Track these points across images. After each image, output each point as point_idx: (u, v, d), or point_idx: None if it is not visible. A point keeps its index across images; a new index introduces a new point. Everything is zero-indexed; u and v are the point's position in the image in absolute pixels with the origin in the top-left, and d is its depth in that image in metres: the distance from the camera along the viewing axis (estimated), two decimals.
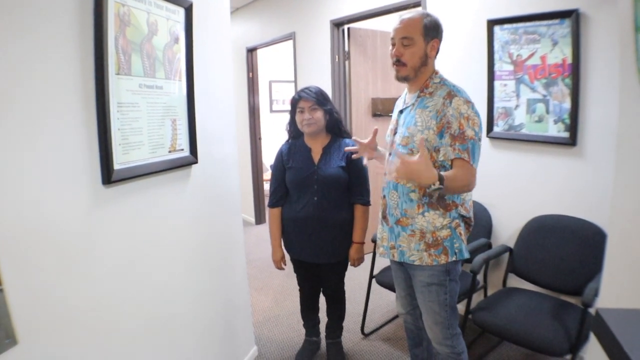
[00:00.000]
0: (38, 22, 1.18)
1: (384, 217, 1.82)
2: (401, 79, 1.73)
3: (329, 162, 2.16)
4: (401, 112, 1.81)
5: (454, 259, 1.69)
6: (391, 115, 1.93)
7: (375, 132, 1.92)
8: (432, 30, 1.66)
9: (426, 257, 1.70)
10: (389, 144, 1.83)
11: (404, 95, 1.85)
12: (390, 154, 1.81)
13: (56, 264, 1.25)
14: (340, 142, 2.22)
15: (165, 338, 1.75)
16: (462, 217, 1.71)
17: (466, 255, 1.72)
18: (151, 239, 1.66)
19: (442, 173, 1.52)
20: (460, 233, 1.70)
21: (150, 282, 1.65)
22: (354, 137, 2.04)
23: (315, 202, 2.16)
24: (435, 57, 1.72)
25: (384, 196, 1.82)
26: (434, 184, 1.48)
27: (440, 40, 1.70)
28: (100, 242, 1.41)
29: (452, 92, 1.62)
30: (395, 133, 1.80)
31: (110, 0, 1.36)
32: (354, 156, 2.00)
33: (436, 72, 1.73)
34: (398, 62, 1.69)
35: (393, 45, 1.70)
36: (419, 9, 1.73)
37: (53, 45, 1.23)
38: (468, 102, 1.60)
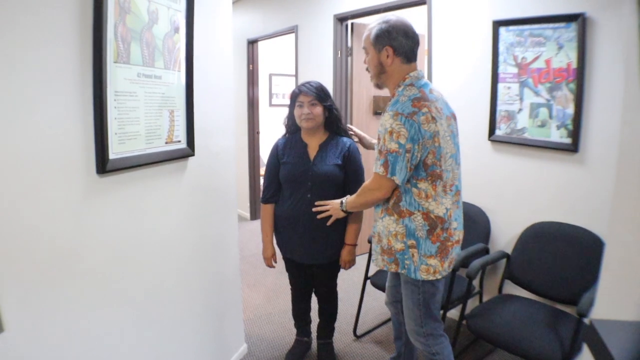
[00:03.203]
0: (35, 8, 1.16)
1: None
2: (375, 85, 1.86)
3: (324, 159, 2.12)
4: None
5: (403, 272, 1.75)
6: None
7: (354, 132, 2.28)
8: (382, 39, 1.70)
9: (380, 261, 1.81)
10: None
11: None
12: None
13: (47, 253, 1.23)
14: (337, 139, 2.18)
15: (155, 331, 1.73)
16: (431, 231, 1.68)
17: (417, 277, 1.72)
18: (144, 230, 1.64)
19: (344, 199, 1.92)
20: (413, 255, 1.70)
21: (141, 273, 1.63)
22: (349, 125, 2.31)
23: (308, 200, 2.11)
24: (395, 62, 1.71)
25: None
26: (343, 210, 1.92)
27: (394, 46, 1.69)
28: (92, 232, 1.39)
29: (387, 107, 1.68)
30: None
31: None
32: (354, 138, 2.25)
33: (404, 79, 1.72)
34: (367, 70, 1.84)
35: None
36: (384, 16, 1.78)
37: (51, 31, 1.21)
38: (397, 113, 1.60)
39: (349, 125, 2.29)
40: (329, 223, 2.03)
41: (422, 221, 1.67)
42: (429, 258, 1.69)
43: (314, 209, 2.03)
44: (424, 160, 1.62)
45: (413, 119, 1.58)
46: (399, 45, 1.69)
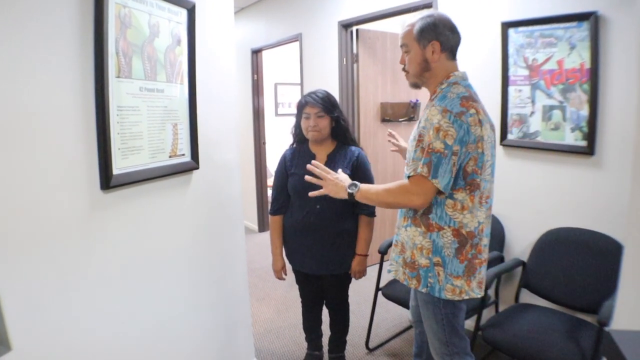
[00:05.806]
0: (37, 24, 1.16)
1: None
2: (411, 86, 1.71)
3: (333, 170, 2.08)
4: None
5: (424, 290, 1.61)
6: (400, 121, 1.87)
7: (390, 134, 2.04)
8: (428, 33, 1.56)
9: (401, 274, 1.68)
10: None
11: None
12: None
13: (52, 269, 1.23)
14: (346, 149, 2.14)
15: (163, 347, 1.70)
16: (459, 250, 1.55)
17: (441, 296, 1.57)
18: (150, 245, 1.62)
19: (359, 184, 1.63)
20: (439, 273, 1.57)
21: (147, 289, 1.61)
22: (390, 131, 2.09)
23: (317, 211, 2.08)
24: (441, 59, 1.58)
25: None
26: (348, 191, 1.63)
27: (440, 41, 1.56)
28: (97, 248, 1.39)
29: (434, 102, 1.54)
30: None
31: (110, 1, 1.32)
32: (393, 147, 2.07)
33: (448, 77, 1.59)
34: (404, 70, 1.68)
35: None
36: (423, 11, 1.65)
37: (52, 48, 1.21)
38: (446, 110, 1.46)
39: (390, 130, 2.09)
40: (313, 194, 1.74)
41: (452, 238, 1.54)
42: (455, 278, 1.56)
43: (307, 166, 1.72)
44: (464, 167, 1.49)
45: (462, 119, 1.46)
46: (446, 40, 1.57)
